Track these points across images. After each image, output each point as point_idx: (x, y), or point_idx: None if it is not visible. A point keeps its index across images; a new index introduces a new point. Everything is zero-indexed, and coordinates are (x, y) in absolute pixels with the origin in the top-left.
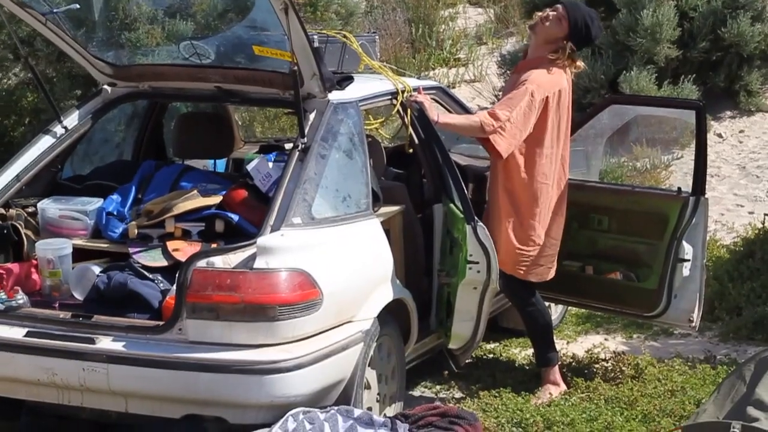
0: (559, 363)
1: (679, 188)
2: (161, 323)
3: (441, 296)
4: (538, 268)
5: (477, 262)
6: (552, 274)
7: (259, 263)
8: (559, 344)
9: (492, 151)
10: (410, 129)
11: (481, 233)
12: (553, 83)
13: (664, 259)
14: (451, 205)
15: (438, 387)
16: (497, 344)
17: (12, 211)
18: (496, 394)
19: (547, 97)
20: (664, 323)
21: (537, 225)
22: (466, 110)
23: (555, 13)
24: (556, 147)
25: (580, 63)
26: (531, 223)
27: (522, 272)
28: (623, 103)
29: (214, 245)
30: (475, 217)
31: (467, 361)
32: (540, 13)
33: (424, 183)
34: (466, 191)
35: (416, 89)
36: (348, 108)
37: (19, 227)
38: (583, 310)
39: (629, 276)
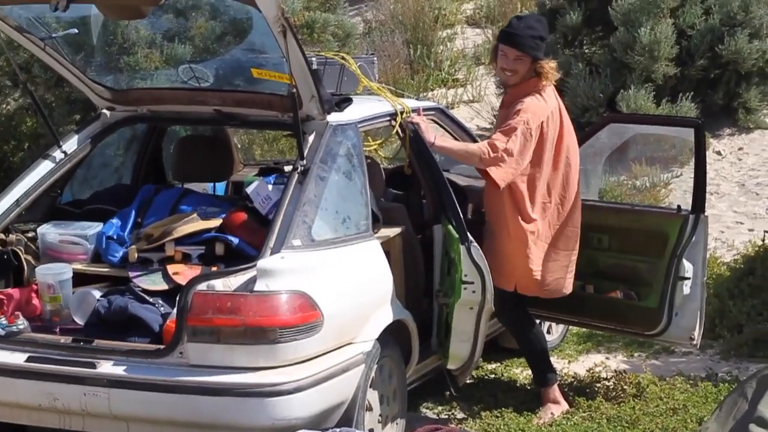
0: (560, 382)
1: (679, 206)
2: (162, 347)
3: (440, 317)
4: (558, 281)
5: (472, 282)
6: (569, 287)
7: (259, 286)
8: (561, 364)
9: (489, 181)
10: (409, 150)
11: (476, 253)
12: (545, 108)
13: (665, 278)
14: (449, 225)
15: (440, 408)
16: (498, 364)
17: (12, 237)
18: (498, 415)
19: (542, 123)
20: (665, 341)
21: (546, 242)
22: (466, 131)
23: (512, 63)
24: (555, 165)
25: (552, 63)
26: (540, 244)
27: (537, 290)
28: (622, 122)
29: (214, 268)
30: (470, 238)
31: (467, 381)
32: (500, 71)
33: (424, 204)
34: (460, 211)
35: (415, 110)
36: (347, 130)
37: (19, 252)
38: (584, 329)
39: (630, 295)
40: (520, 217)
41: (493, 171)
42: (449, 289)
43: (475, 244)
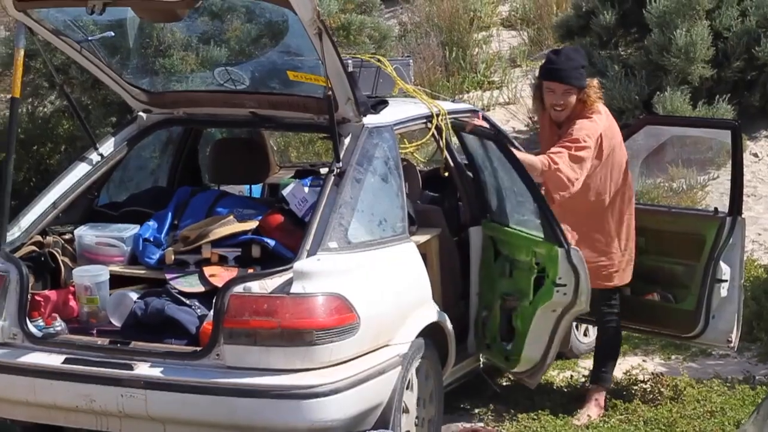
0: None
1: (716, 208)
2: (199, 349)
3: (496, 320)
4: (620, 273)
5: (565, 285)
6: (628, 276)
7: (295, 288)
8: None
9: (547, 191)
10: (445, 152)
11: (575, 256)
12: (597, 127)
13: (702, 280)
14: (507, 228)
15: (476, 410)
16: None
17: (49, 239)
18: (535, 417)
19: (599, 140)
20: (702, 344)
21: (605, 236)
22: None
23: (560, 98)
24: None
25: (594, 82)
26: (598, 237)
27: (605, 283)
28: (658, 124)
29: (250, 270)
30: (570, 241)
31: (503, 384)
32: (550, 108)
33: (460, 206)
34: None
35: (473, 114)
36: (383, 132)
37: (57, 254)
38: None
39: (667, 297)
40: (611, 218)
41: (550, 184)
42: (518, 292)
43: (575, 247)
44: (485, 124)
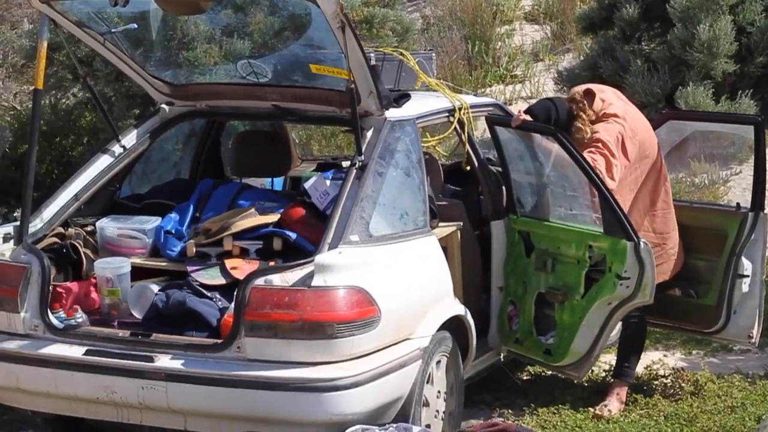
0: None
1: (738, 204)
2: (220, 341)
3: (532, 314)
4: (661, 266)
5: (629, 278)
6: (663, 273)
7: (317, 281)
8: None
9: None
10: (467, 146)
11: (644, 250)
12: (614, 126)
13: (723, 275)
14: (548, 223)
15: (497, 404)
16: None
17: (71, 231)
18: (555, 411)
19: (620, 137)
20: (723, 339)
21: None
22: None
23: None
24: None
25: (576, 94)
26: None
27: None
28: (680, 119)
29: (272, 263)
30: (638, 235)
31: (523, 377)
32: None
33: (482, 200)
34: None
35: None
36: (405, 125)
37: (78, 246)
38: None
39: (688, 292)
40: (636, 213)
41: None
42: (572, 286)
43: (644, 240)
44: (524, 118)
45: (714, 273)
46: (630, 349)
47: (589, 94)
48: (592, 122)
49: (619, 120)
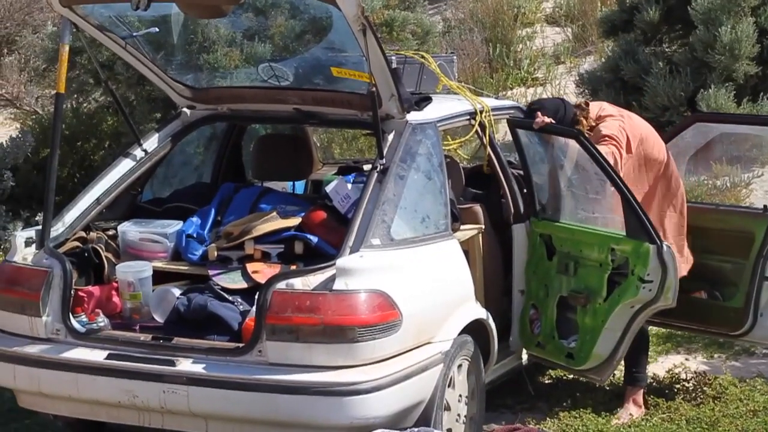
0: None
1: (765, 206)
2: (241, 345)
3: (554, 318)
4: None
5: (651, 281)
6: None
7: (338, 285)
8: None
9: None
10: (488, 149)
11: (667, 252)
12: (614, 122)
13: (750, 278)
14: (569, 226)
15: (518, 407)
16: None
17: (93, 234)
18: (577, 415)
19: (623, 130)
20: (749, 342)
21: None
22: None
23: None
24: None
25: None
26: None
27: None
28: (707, 121)
29: (293, 267)
30: (662, 238)
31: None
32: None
33: (503, 203)
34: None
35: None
36: (426, 129)
37: (100, 250)
38: (663, 330)
39: (714, 295)
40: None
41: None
42: (594, 289)
43: (667, 243)
44: (549, 120)
45: (740, 275)
46: (635, 354)
47: (588, 104)
48: (591, 128)
49: (616, 117)
